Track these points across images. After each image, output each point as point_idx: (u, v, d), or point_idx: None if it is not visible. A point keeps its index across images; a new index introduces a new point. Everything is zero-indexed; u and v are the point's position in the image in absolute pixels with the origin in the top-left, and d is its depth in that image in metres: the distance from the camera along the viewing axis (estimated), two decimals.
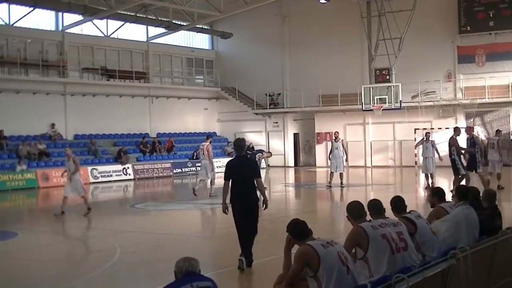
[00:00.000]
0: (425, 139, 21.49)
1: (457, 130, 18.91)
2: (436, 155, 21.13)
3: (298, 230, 5.80)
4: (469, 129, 19.99)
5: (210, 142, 21.06)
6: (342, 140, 23.78)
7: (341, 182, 22.76)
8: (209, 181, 20.90)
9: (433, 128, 31.53)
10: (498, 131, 21.94)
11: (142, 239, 13.45)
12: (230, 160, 9.83)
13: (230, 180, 9.37)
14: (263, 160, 24.26)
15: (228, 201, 9.47)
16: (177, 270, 4.84)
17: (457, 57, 33.64)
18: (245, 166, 9.42)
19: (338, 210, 17.02)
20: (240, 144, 9.52)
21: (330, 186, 22.75)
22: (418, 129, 32.93)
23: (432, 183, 20.39)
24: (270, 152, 28.02)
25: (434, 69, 33.62)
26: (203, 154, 20.76)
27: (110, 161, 31.34)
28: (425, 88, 33.62)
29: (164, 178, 31.91)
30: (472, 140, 18.87)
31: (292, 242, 5.85)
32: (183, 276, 4.77)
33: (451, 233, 7.15)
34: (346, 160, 22.99)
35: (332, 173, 22.93)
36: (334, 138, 23.41)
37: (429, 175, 20.89)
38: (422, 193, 20.45)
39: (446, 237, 7.10)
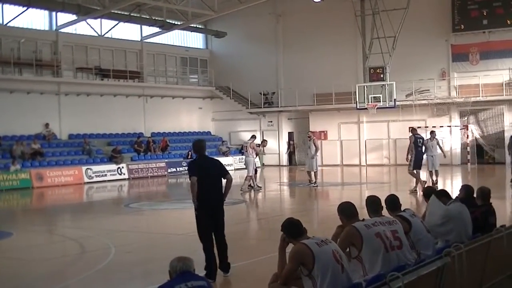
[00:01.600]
0: (430, 137, 21.45)
1: None
2: (441, 152, 21.22)
3: (292, 229, 5.81)
4: (414, 130, 20.66)
5: (253, 141, 22.55)
6: (314, 139, 23.93)
7: (309, 180, 23.18)
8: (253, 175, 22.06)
9: (427, 127, 31.57)
10: None
11: (136, 238, 13.43)
12: (195, 159, 9.60)
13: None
14: (257, 157, 24.08)
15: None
16: (172, 270, 4.84)
17: (451, 56, 33.72)
18: (212, 166, 9.25)
19: (332, 209, 16.99)
20: (201, 145, 9.41)
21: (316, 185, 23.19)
22: (412, 127, 32.89)
23: (436, 180, 20.36)
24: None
25: (428, 67, 33.67)
26: (247, 151, 22.09)
27: (104, 161, 31.24)
28: (419, 87, 33.68)
29: (159, 177, 31.85)
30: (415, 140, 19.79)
31: (287, 241, 5.85)
32: (178, 276, 4.77)
33: (444, 229, 7.18)
34: (312, 158, 23.16)
35: (314, 172, 23.30)
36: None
37: (433, 172, 20.89)
38: (419, 192, 20.45)
39: (439, 234, 7.13)
